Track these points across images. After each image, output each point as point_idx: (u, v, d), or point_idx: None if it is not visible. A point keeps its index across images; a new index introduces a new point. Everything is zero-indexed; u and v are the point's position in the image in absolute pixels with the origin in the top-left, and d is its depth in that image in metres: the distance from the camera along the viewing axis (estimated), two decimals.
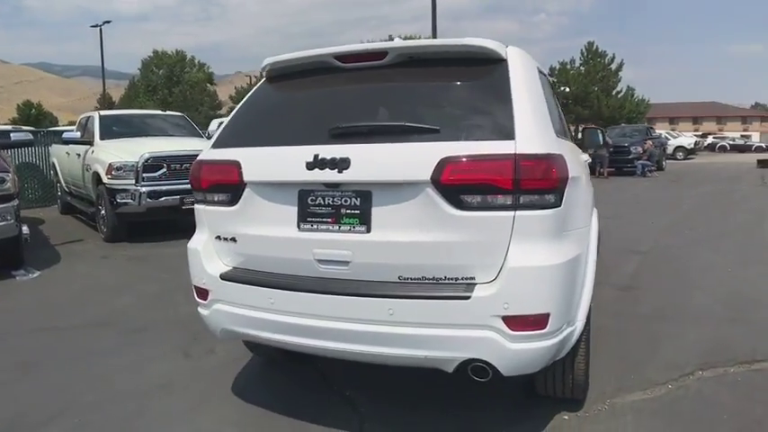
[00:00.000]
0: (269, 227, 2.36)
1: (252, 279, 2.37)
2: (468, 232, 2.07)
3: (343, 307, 2.17)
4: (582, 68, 38.84)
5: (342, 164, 2.16)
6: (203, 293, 2.52)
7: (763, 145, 46.53)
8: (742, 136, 54.78)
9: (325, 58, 2.51)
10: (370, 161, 2.16)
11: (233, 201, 2.42)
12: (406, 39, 7.00)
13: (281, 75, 2.70)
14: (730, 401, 2.77)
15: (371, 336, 2.14)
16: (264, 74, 2.76)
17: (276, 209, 2.35)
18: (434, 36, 19.56)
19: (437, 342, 2.08)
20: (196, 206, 2.62)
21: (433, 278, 2.13)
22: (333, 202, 2.25)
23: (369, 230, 2.19)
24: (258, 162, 2.38)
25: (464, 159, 2.05)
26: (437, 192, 2.07)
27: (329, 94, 2.56)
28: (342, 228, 2.23)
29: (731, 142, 47.64)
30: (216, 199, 2.49)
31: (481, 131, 2.16)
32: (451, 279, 2.11)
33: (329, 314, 2.19)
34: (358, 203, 2.21)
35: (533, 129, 2.13)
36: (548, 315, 2.04)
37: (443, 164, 2.05)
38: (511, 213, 2.04)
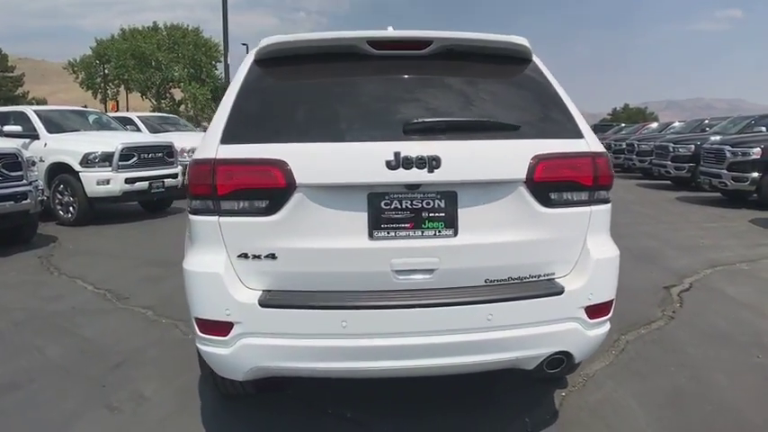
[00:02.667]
0: (329, 238, 1.99)
1: (310, 302, 1.97)
2: (553, 229, 2.10)
3: (435, 319, 1.97)
4: None
5: (432, 163, 1.94)
6: (223, 328, 2.00)
7: None
8: None
9: (356, 42, 2.19)
10: (459, 160, 1.98)
11: (273, 209, 1.97)
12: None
13: (293, 57, 2.26)
14: None
15: (470, 345, 2.00)
16: (266, 54, 2.26)
17: (338, 216, 1.99)
18: (225, 27, 18.67)
19: (532, 341, 2.06)
20: (198, 218, 2.05)
21: (519, 278, 2.10)
22: (412, 205, 2.00)
23: (456, 234, 2.02)
24: (316, 161, 1.98)
25: (554, 157, 2.06)
26: (528, 190, 2.04)
27: (367, 84, 2.24)
28: (425, 233, 2.01)
29: None
30: (243, 207, 1.99)
31: (552, 129, 2.17)
32: (534, 276, 2.12)
33: (419, 329, 1.97)
34: (443, 205, 2.01)
35: (588, 128, 2.24)
36: (612, 301, 2.21)
37: (536, 162, 2.03)
38: (588, 209, 2.14)
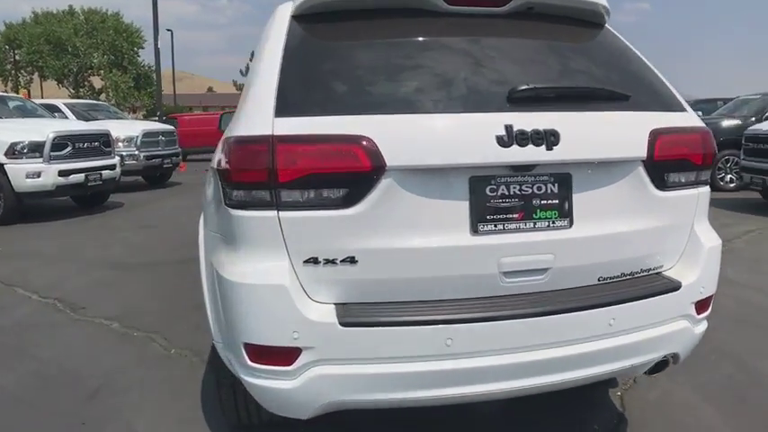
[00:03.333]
0: (423, 234, 1.58)
1: (406, 317, 1.55)
2: (665, 215, 1.80)
3: (552, 328, 1.61)
4: None
5: (550, 139, 1.57)
6: (286, 355, 1.54)
7: None
8: None
9: None
10: (577, 135, 1.62)
11: (353, 199, 1.53)
12: None
13: (343, 13, 1.82)
14: None
15: (589, 356, 1.66)
16: (310, 8, 1.82)
17: (434, 207, 1.58)
18: (155, 8, 17.42)
19: (648, 345, 1.77)
20: (246, 213, 1.57)
21: (630, 273, 1.78)
22: (521, 190, 1.62)
23: (571, 224, 1.67)
24: (408, 137, 1.55)
25: (672, 132, 1.76)
26: (645, 170, 1.72)
27: (444, 45, 1.84)
28: (537, 224, 1.64)
29: None
30: (312, 198, 1.54)
31: (656, 101, 1.85)
32: (645, 271, 1.81)
33: (534, 342, 1.60)
34: (556, 190, 1.65)
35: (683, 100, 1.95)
36: (713, 294, 1.94)
37: (654, 138, 1.70)
38: (696, 191, 1.87)
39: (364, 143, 1.51)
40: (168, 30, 36.14)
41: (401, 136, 1.54)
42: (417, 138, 1.55)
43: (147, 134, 10.71)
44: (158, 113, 22.38)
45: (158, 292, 4.24)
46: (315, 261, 1.55)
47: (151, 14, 20.20)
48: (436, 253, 1.58)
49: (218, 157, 1.73)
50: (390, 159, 1.51)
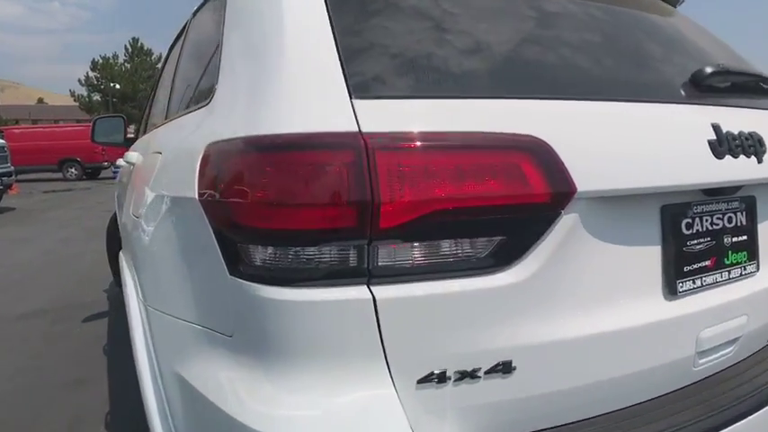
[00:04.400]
0: (608, 306, 0.94)
1: None
2: None
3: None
4: (128, 65, 36.47)
5: (759, 146, 1.05)
6: None
7: None
8: None
9: None
10: None
11: (512, 255, 0.85)
12: None
13: None
14: None
15: None
16: None
17: (616, 258, 0.95)
18: None
19: None
20: (300, 295, 0.80)
21: None
22: (712, 225, 1.06)
23: (758, 268, 1.15)
24: (599, 141, 0.91)
25: None
26: None
27: (564, 13, 1.19)
28: (731, 274, 1.09)
29: None
30: (434, 258, 0.82)
31: None
32: None
33: None
34: (744, 222, 1.12)
35: None
36: None
37: None
38: None
39: (534, 149, 0.84)
40: None
41: (590, 139, 0.90)
42: (610, 143, 0.92)
43: None
44: None
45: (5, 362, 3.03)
46: (440, 379, 0.83)
47: None
48: (628, 335, 0.95)
49: (193, 178, 0.94)
50: (581, 181, 0.86)
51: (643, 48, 1.19)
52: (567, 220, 0.87)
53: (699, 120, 1.02)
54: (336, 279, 0.80)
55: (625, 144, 0.93)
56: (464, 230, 0.82)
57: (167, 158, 1.24)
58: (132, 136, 3.18)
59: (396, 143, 0.80)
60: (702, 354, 1.05)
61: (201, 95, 1.28)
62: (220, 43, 1.15)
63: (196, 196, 0.93)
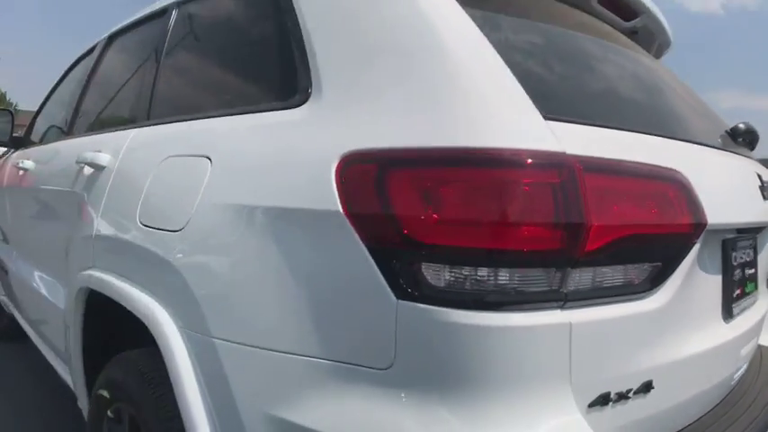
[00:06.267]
0: (693, 329, 1.03)
1: None
2: None
3: None
4: None
5: None
6: None
7: None
8: None
9: None
10: None
11: (658, 279, 0.90)
12: None
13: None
14: None
15: None
16: None
17: (701, 283, 1.06)
18: None
19: None
20: (495, 319, 0.75)
21: None
22: (744, 257, 1.24)
23: (758, 296, 1.37)
24: (718, 178, 1.05)
25: None
26: None
27: (615, 51, 1.34)
28: (748, 301, 1.27)
29: None
30: (613, 281, 0.84)
31: None
32: None
33: None
34: (752, 255, 1.31)
35: None
36: None
37: None
38: None
39: (687, 184, 0.92)
40: None
41: (702, 178, 0.98)
42: (712, 182, 1.02)
43: None
44: None
45: None
46: (604, 401, 0.83)
47: None
48: (712, 353, 1.06)
49: (324, 188, 0.84)
50: (710, 213, 0.95)
51: (687, 100, 1.37)
52: (696, 249, 0.97)
53: (748, 166, 1.22)
54: (535, 303, 0.78)
55: (719, 183, 1.07)
56: (636, 255, 0.87)
57: (239, 163, 1.06)
58: (18, 135, 2.75)
59: (600, 167, 0.82)
60: (737, 372, 1.22)
61: (263, 94, 1.16)
62: (295, 37, 1.05)
63: (339, 209, 0.83)
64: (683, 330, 1.00)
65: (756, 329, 1.32)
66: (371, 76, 0.93)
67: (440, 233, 0.77)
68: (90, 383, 1.42)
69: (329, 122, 0.93)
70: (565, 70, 1.02)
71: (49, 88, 2.82)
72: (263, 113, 1.08)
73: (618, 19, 1.48)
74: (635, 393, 0.88)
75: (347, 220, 0.82)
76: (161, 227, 1.15)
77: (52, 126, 2.52)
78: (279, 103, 1.06)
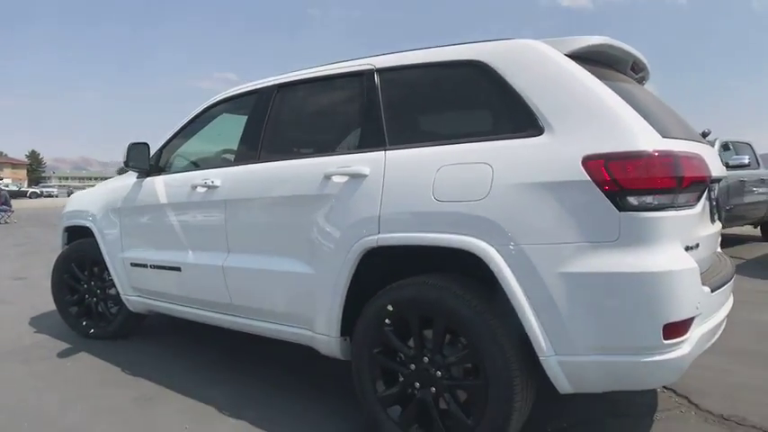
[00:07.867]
0: (704, 223, 2.27)
1: None
2: None
3: None
4: None
5: None
6: (685, 326, 1.90)
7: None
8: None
9: (631, 58, 2.53)
10: None
11: (698, 200, 2.10)
12: None
13: (593, 60, 2.29)
14: None
15: None
16: (584, 52, 2.23)
17: (704, 205, 2.27)
18: None
19: None
20: (658, 214, 1.91)
21: None
22: (713, 193, 2.58)
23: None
24: (705, 153, 2.29)
25: None
26: None
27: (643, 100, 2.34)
28: (716, 217, 2.64)
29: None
30: (687, 200, 2.03)
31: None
32: None
33: None
34: (715, 193, 2.65)
35: None
36: None
37: None
38: None
39: (702, 159, 2.15)
40: None
41: (705, 154, 2.24)
42: (707, 155, 2.31)
43: None
44: None
45: None
46: (689, 248, 2.01)
47: None
48: (710, 236, 2.38)
49: (579, 177, 1.90)
50: (710, 172, 2.19)
51: (674, 112, 2.54)
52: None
53: (711, 148, 2.53)
54: (667, 208, 1.96)
55: (707, 157, 2.30)
56: (695, 187, 2.09)
57: (515, 162, 2.01)
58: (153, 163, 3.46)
59: (687, 156, 2.02)
60: (716, 248, 2.57)
61: (499, 129, 2.17)
62: (517, 99, 2.09)
63: (587, 178, 1.89)
64: (702, 223, 2.18)
65: (719, 232, 2.52)
66: (573, 117, 2.00)
67: (632, 184, 1.87)
68: (345, 316, 2.39)
69: (566, 143, 1.97)
70: (635, 106, 2.05)
71: (172, 131, 3.44)
72: (511, 140, 2.06)
73: (634, 74, 2.65)
74: (693, 249, 2.03)
75: (592, 183, 1.88)
76: (460, 200, 2.05)
77: (204, 158, 3.51)
78: (519, 134, 2.06)
